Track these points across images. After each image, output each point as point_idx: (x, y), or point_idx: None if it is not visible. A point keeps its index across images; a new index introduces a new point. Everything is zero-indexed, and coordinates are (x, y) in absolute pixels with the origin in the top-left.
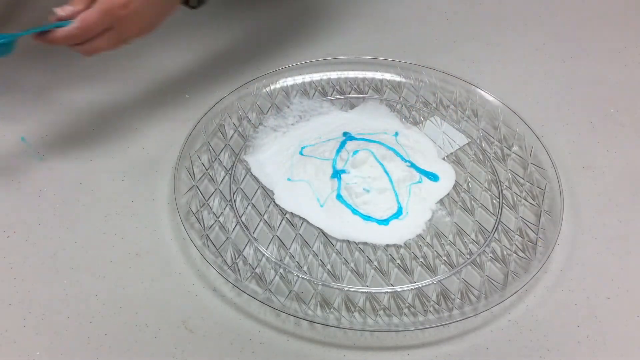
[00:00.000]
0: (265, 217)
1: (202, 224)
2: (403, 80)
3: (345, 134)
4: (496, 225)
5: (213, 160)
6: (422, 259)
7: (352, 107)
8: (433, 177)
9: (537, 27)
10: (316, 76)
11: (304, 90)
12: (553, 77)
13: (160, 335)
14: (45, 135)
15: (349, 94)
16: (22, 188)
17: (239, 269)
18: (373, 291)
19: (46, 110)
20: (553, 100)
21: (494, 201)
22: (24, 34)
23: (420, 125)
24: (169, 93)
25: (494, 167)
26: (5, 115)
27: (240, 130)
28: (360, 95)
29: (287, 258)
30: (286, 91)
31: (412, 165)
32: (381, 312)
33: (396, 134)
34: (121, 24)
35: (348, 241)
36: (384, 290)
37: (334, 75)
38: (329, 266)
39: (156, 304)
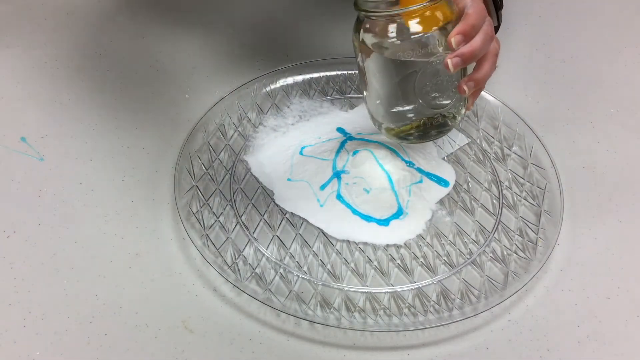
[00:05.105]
0: (265, 217)
1: (202, 224)
2: None
3: (339, 129)
4: (496, 225)
5: (213, 160)
6: (422, 259)
7: (352, 107)
8: (444, 182)
9: (537, 27)
10: (316, 76)
11: (304, 90)
12: (553, 77)
13: (160, 335)
14: (45, 135)
15: (349, 93)
16: (22, 188)
17: (239, 269)
18: (373, 291)
19: (46, 110)
20: (553, 100)
21: (494, 201)
22: None
23: None
24: (169, 93)
25: (494, 167)
26: (5, 115)
27: (240, 130)
28: (361, 95)
29: (287, 258)
30: (286, 91)
31: (419, 169)
32: (381, 312)
33: None
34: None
35: (348, 241)
36: (384, 290)
37: (334, 75)
38: (329, 266)
39: (156, 304)
